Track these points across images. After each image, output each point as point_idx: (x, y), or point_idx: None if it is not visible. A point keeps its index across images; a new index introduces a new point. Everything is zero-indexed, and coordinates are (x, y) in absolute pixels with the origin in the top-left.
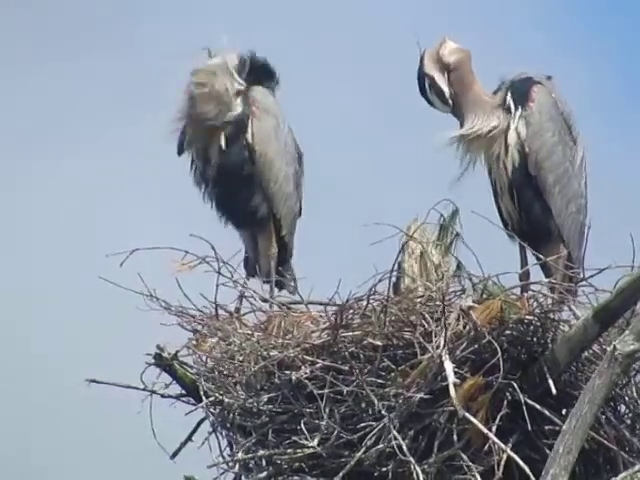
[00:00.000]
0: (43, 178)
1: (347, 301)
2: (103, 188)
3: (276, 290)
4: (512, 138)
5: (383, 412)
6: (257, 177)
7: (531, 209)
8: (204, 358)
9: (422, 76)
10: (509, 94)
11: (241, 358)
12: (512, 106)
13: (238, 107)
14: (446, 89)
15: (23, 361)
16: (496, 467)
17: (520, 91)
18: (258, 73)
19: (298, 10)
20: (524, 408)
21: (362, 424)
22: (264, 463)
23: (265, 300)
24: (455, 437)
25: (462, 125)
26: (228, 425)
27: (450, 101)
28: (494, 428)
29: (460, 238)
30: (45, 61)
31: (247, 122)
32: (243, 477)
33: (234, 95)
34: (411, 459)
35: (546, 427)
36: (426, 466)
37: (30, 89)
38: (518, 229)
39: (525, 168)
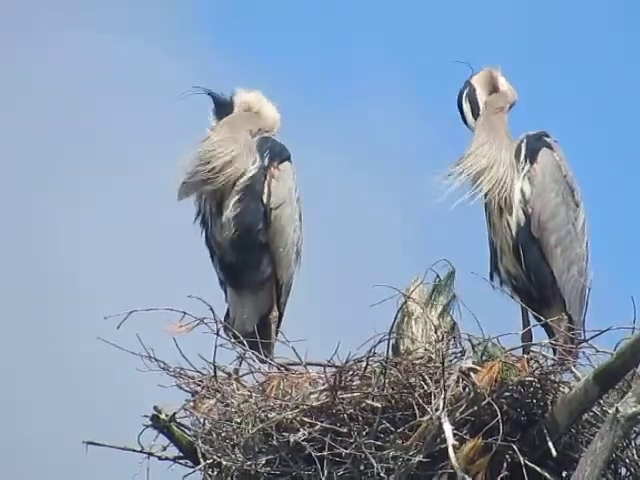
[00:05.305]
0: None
1: (346, 362)
2: (101, 249)
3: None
4: (517, 196)
5: (382, 474)
6: (268, 240)
7: (539, 271)
8: (202, 420)
9: (467, 83)
10: (524, 146)
11: (239, 420)
12: (524, 158)
13: (253, 168)
14: (482, 104)
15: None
16: None
17: (532, 148)
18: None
19: None
20: (524, 470)
21: None
22: None
23: (264, 361)
24: None
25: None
26: None
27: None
28: None
29: (456, 299)
30: None
31: (264, 182)
32: None
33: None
34: None
35: None
36: None
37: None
38: (525, 290)
39: (530, 229)
